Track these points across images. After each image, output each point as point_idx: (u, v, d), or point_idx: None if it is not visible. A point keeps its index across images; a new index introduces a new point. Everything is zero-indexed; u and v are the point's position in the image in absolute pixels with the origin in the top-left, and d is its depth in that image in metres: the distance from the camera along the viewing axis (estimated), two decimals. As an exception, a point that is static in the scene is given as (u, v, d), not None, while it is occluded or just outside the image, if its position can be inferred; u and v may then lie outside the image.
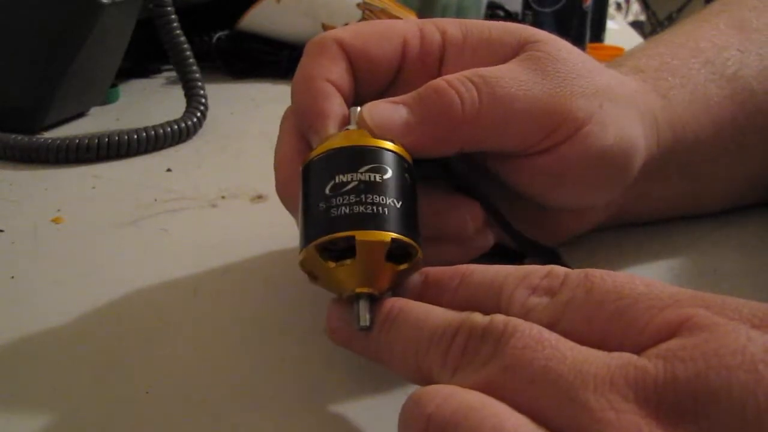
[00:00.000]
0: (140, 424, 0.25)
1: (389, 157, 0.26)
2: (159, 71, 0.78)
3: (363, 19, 0.75)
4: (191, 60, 0.59)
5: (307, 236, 0.25)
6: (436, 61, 0.32)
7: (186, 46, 0.59)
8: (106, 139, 0.51)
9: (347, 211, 0.24)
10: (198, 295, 0.33)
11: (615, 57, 0.40)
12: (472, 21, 0.32)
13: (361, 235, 0.24)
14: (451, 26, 0.32)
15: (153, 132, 0.53)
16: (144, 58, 0.75)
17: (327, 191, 0.25)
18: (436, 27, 0.32)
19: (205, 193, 0.45)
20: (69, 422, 0.25)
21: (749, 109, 0.36)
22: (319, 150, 0.26)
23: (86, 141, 0.50)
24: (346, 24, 0.75)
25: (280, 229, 0.35)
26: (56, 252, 0.38)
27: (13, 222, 0.41)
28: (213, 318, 0.31)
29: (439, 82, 0.29)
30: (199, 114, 0.57)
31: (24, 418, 0.25)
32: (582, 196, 0.33)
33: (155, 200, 0.44)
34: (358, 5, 0.75)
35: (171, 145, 0.54)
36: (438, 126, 0.28)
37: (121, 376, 0.27)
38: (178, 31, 0.58)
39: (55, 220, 0.41)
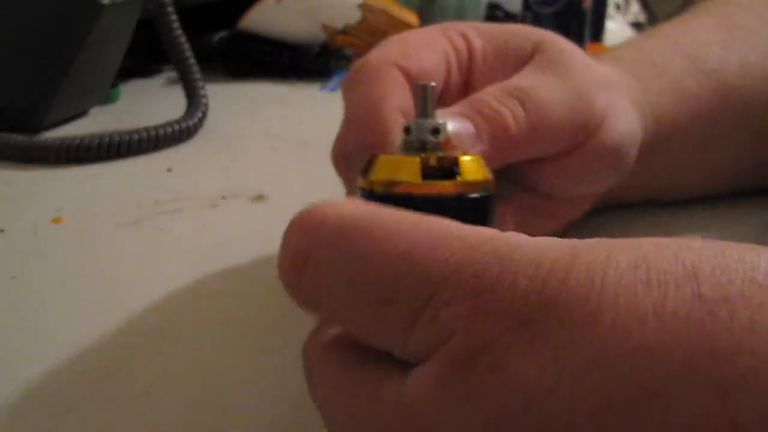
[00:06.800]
0: (140, 424, 0.25)
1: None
2: (159, 71, 0.78)
3: (363, 19, 0.75)
4: (191, 60, 0.59)
5: None
6: (467, 71, 0.32)
7: (186, 46, 0.59)
8: (107, 139, 0.51)
9: None
10: (198, 295, 0.33)
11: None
12: (483, 26, 0.33)
13: None
14: (471, 33, 0.32)
15: (153, 132, 0.53)
16: (144, 58, 0.75)
17: None
18: (460, 36, 0.32)
19: (205, 193, 0.45)
20: (69, 422, 0.25)
21: (727, 104, 0.37)
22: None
23: (86, 141, 0.50)
24: (346, 25, 0.76)
25: (281, 229, 0.35)
26: (56, 252, 0.38)
27: (13, 222, 0.41)
28: (213, 318, 0.31)
29: (490, 99, 0.28)
30: (199, 114, 0.57)
31: (24, 418, 0.25)
32: (593, 185, 0.33)
33: (155, 200, 0.44)
34: (358, 5, 0.75)
35: (171, 145, 0.54)
36: (496, 142, 0.28)
37: (121, 376, 0.27)
38: (178, 32, 0.58)
39: (55, 220, 0.41)
